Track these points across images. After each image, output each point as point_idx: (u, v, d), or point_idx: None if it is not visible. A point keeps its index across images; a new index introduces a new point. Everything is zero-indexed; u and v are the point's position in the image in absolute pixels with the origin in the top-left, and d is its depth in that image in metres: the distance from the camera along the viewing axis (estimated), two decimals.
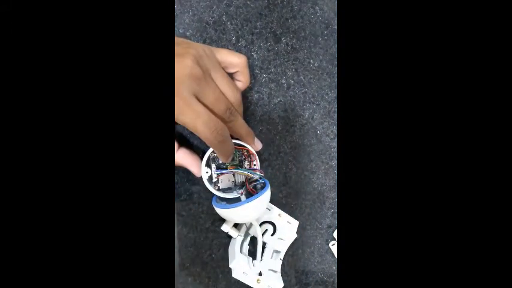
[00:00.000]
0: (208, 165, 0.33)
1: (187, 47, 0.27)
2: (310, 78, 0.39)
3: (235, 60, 0.32)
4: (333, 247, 0.40)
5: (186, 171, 0.35)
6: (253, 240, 0.38)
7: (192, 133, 0.27)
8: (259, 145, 0.35)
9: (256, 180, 0.35)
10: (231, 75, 0.32)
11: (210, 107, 0.28)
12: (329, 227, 0.40)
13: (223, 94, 0.29)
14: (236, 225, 0.37)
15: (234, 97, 0.30)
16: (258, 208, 0.32)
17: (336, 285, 0.41)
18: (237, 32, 0.37)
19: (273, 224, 0.38)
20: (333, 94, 0.40)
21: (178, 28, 0.36)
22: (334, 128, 0.40)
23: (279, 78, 0.38)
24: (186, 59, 0.26)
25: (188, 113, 0.26)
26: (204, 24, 0.36)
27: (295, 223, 0.39)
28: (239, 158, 0.35)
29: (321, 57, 0.39)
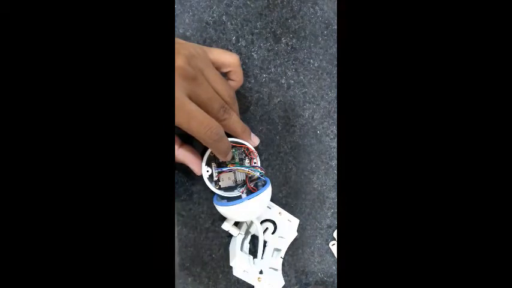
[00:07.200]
0: (209, 164, 0.33)
1: (179, 48, 0.27)
2: (310, 78, 0.39)
3: (227, 60, 0.32)
4: (333, 247, 0.40)
5: (186, 172, 0.35)
6: (254, 239, 0.38)
7: None
8: (256, 140, 0.35)
9: (258, 179, 0.35)
10: (224, 75, 0.32)
11: (203, 107, 0.28)
12: (329, 227, 0.40)
13: (216, 93, 0.29)
14: (237, 224, 0.37)
15: (227, 95, 0.30)
16: (259, 205, 0.32)
17: (336, 285, 0.41)
18: (237, 32, 0.37)
19: (274, 222, 0.38)
20: (333, 94, 0.40)
21: (178, 28, 0.36)
22: (334, 128, 0.40)
23: (279, 78, 0.38)
24: (177, 60, 0.26)
25: (181, 114, 0.26)
26: (204, 24, 0.36)
27: (295, 221, 0.39)
28: (239, 157, 0.35)
29: (321, 57, 0.39)
